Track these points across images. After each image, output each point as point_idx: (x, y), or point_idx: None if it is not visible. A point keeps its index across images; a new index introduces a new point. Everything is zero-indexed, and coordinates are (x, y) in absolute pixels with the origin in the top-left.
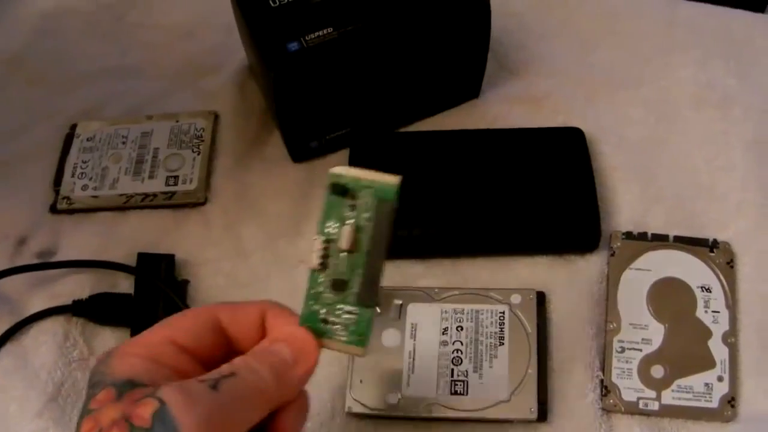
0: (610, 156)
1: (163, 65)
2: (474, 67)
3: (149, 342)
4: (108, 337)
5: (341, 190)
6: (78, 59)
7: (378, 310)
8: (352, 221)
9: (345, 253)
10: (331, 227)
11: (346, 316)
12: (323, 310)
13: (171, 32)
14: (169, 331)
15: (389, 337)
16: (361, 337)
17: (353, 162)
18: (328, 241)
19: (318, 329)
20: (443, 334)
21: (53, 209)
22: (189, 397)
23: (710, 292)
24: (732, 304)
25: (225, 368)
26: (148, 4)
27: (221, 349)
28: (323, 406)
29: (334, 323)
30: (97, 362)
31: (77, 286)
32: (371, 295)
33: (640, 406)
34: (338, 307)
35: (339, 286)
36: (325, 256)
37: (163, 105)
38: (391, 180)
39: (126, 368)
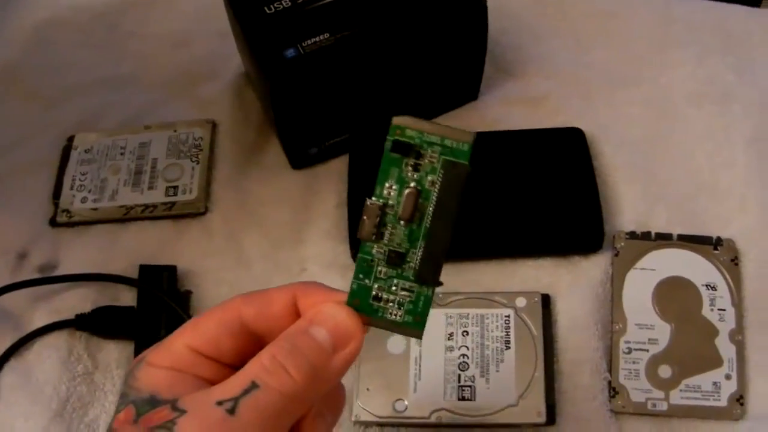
0: (610, 155)
1: (159, 74)
2: (472, 69)
3: (172, 349)
4: (112, 351)
5: (404, 147)
6: (72, 70)
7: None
8: (414, 184)
9: (404, 222)
10: (390, 190)
11: (403, 292)
12: (375, 285)
13: (165, 41)
14: (189, 338)
15: (395, 343)
16: (418, 318)
17: (353, 167)
18: (385, 206)
19: (367, 307)
20: (449, 339)
21: (53, 222)
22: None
23: (715, 290)
24: (738, 301)
25: (247, 376)
26: (141, 12)
27: (250, 348)
28: None
29: (387, 300)
30: (129, 368)
31: (79, 300)
32: (433, 272)
33: (649, 406)
34: (394, 282)
35: (395, 259)
36: (381, 224)
37: (160, 114)
38: (465, 136)
39: (149, 381)
